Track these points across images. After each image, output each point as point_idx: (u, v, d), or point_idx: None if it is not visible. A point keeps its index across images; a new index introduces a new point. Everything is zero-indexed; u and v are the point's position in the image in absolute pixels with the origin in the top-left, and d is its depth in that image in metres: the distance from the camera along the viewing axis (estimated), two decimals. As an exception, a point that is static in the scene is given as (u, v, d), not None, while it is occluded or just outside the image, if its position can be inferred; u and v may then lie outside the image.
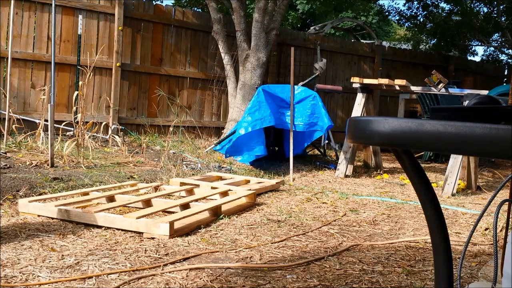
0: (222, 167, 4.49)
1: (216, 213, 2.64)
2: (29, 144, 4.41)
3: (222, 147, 5.10)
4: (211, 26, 6.43)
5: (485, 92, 4.54)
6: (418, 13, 10.40)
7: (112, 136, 5.27)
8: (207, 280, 1.69)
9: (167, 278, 1.70)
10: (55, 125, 3.90)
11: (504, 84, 10.35)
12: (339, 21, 10.83)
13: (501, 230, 2.55)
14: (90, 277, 1.65)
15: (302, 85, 5.49)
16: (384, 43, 12.19)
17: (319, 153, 6.06)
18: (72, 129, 4.82)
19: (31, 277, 1.63)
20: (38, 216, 2.43)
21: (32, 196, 2.75)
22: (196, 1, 9.96)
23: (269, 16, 6.21)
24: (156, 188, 3.18)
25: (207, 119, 7.07)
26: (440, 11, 10.31)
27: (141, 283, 1.65)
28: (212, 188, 3.24)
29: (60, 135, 4.50)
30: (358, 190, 3.94)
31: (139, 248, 2.03)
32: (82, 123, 4.17)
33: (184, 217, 2.39)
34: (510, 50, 11.88)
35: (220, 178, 3.82)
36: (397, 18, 11.34)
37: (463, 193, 4.05)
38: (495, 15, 9.94)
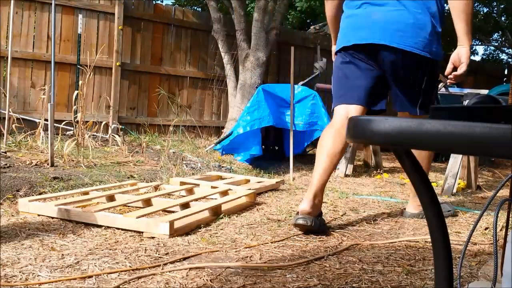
0: (222, 167, 4.49)
1: (216, 213, 2.64)
2: (29, 143, 4.41)
3: (222, 146, 5.11)
4: (211, 26, 6.44)
5: (485, 92, 4.55)
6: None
7: (112, 135, 5.27)
8: (207, 280, 1.70)
9: (167, 278, 1.70)
10: (55, 124, 3.90)
11: (504, 83, 10.35)
12: (339, 21, 10.81)
13: (501, 230, 2.55)
14: (90, 277, 1.65)
15: (302, 85, 5.49)
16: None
17: (319, 152, 6.05)
18: (72, 128, 4.82)
19: (31, 276, 1.63)
20: (38, 215, 2.43)
21: (32, 195, 2.75)
22: (196, 0, 9.95)
23: (269, 15, 6.21)
24: (156, 188, 3.18)
25: (207, 119, 7.08)
26: (440, 11, 10.29)
27: (141, 282, 1.65)
28: (212, 187, 3.24)
29: (60, 134, 4.50)
30: (358, 190, 3.94)
31: (139, 247, 2.03)
32: (82, 122, 4.17)
33: (184, 217, 2.39)
34: (510, 50, 11.87)
35: (220, 178, 3.82)
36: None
37: (463, 193, 4.05)
38: (495, 15, 9.94)
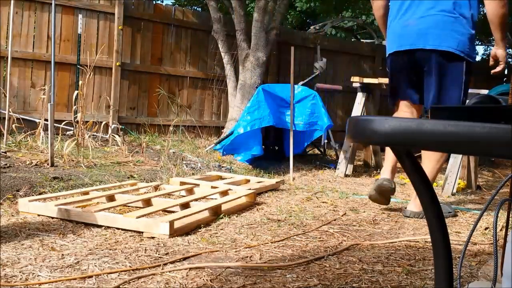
0: (222, 167, 4.49)
1: (216, 213, 2.64)
2: (29, 143, 4.41)
3: (222, 147, 5.11)
4: (211, 26, 6.43)
5: (485, 91, 4.54)
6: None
7: (112, 135, 5.27)
8: (207, 280, 1.70)
9: (167, 278, 1.70)
10: (55, 124, 3.90)
11: (504, 83, 10.35)
12: (339, 21, 10.82)
13: (501, 230, 2.55)
14: (90, 277, 1.65)
15: (302, 85, 5.49)
16: (384, 42, 12.17)
17: (319, 152, 6.06)
18: (72, 128, 4.82)
19: (31, 276, 1.63)
20: (38, 215, 2.43)
21: (32, 195, 2.75)
22: (196, 0, 9.94)
23: (269, 15, 6.21)
24: (156, 188, 3.18)
25: (207, 119, 7.08)
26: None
27: (141, 282, 1.65)
28: (212, 187, 3.24)
29: (60, 134, 4.50)
30: (358, 190, 3.94)
31: (139, 247, 2.03)
32: (82, 122, 4.17)
33: (184, 217, 2.39)
34: (510, 50, 11.86)
35: (220, 178, 3.82)
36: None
37: (463, 193, 4.05)
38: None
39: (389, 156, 3.05)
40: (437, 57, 2.80)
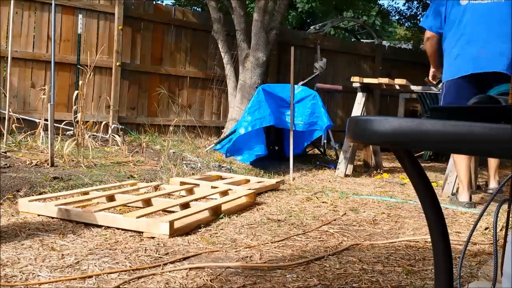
0: (222, 167, 4.49)
1: (216, 213, 2.64)
2: (29, 143, 4.41)
3: (222, 147, 5.10)
4: (211, 26, 6.43)
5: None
6: (418, 13, 10.41)
7: (112, 135, 5.27)
8: (207, 280, 1.70)
9: (167, 278, 1.70)
10: (55, 124, 3.90)
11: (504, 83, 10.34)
12: (339, 21, 10.82)
13: (501, 230, 2.55)
14: (90, 277, 1.65)
15: (302, 85, 5.49)
16: (384, 42, 12.18)
17: (319, 152, 6.06)
18: (72, 128, 4.82)
19: (31, 276, 1.63)
20: (38, 215, 2.43)
21: (32, 195, 2.75)
22: (196, 0, 9.94)
23: (269, 15, 6.21)
24: (156, 188, 3.18)
25: (207, 119, 7.07)
26: (440, 11, 10.31)
27: (141, 282, 1.65)
28: (212, 187, 3.24)
29: (60, 134, 4.50)
30: (358, 190, 3.94)
31: (139, 247, 2.03)
32: (82, 122, 4.17)
33: (184, 217, 2.39)
34: (510, 50, 11.85)
35: (220, 178, 3.82)
36: (397, 17, 11.34)
37: (463, 193, 4.04)
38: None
39: (462, 170, 3.42)
40: (494, 78, 3.24)
